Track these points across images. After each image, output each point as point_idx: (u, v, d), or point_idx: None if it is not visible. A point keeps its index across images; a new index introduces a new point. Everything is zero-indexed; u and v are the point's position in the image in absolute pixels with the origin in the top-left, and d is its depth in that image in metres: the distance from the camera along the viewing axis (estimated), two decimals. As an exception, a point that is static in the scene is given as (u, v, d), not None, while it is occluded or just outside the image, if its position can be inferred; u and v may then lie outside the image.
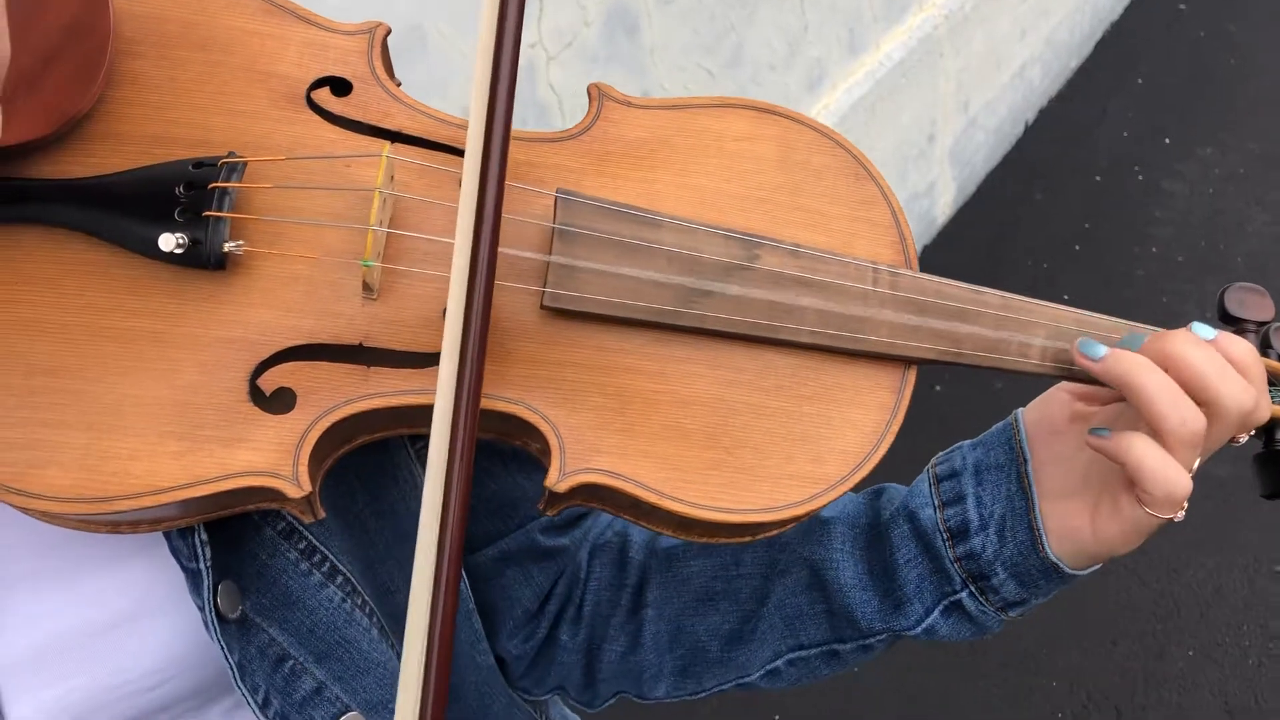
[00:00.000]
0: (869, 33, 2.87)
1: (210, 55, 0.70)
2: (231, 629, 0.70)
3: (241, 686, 0.71)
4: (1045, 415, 0.77)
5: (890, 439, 0.70)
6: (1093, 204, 3.41)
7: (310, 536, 0.74)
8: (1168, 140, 3.58)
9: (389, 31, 0.74)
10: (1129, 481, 0.70)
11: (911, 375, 0.71)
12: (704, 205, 0.72)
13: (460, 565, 0.59)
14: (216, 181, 0.65)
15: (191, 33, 0.71)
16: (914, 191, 3.18)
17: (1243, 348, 0.70)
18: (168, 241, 0.63)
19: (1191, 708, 2.28)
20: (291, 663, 0.74)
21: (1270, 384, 0.75)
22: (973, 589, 0.77)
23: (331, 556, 0.75)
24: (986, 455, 0.78)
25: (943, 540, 0.78)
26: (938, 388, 0.80)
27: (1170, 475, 0.68)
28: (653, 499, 0.66)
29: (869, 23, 2.86)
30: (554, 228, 0.68)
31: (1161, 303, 3.08)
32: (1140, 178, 3.47)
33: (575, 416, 0.67)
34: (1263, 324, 0.77)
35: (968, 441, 0.81)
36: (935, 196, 3.30)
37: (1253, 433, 0.74)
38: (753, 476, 0.68)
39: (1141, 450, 0.68)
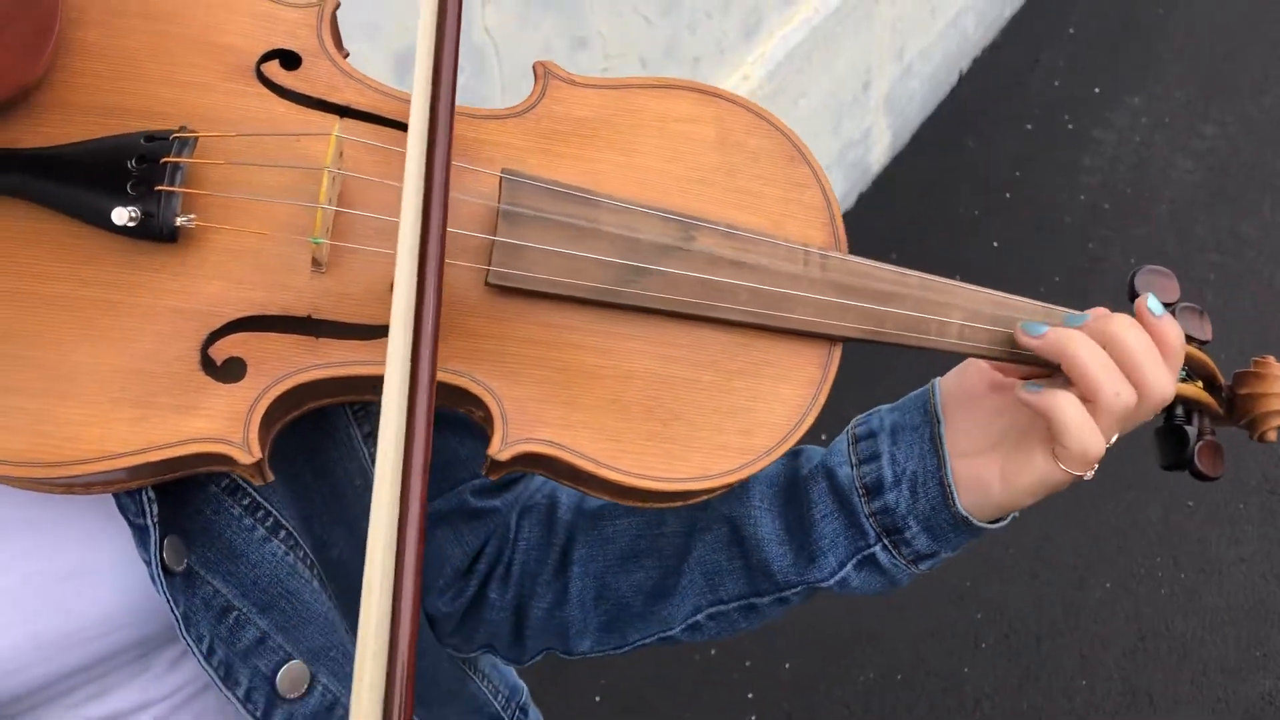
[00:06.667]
0: (805, -20, 2.89)
1: (158, 25, 0.71)
2: (178, 581, 0.73)
3: (186, 636, 0.74)
4: (962, 384, 0.82)
5: (815, 413, 0.73)
6: (1024, 152, 3.48)
7: (254, 493, 0.77)
8: (1097, 90, 3.65)
9: (338, 4, 0.74)
10: (1047, 437, 0.75)
11: (837, 352, 0.74)
12: (644, 185, 0.74)
13: (423, 540, 0.59)
14: (168, 156, 0.66)
15: (137, 1, 0.71)
16: (849, 139, 3.22)
17: (1177, 333, 0.76)
18: (120, 215, 0.64)
19: (1107, 635, 2.38)
20: (236, 613, 0.76)
21: None
22: (886, 542, 0.81)
23: (275, 512, 0.78)
24: (903, 417, 0.82)
25: (859, 496, 0.81)
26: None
27: (1088, 434, 0.73)
28: (591, 468, 0.69)
29: (805, -30, 2.88)
30: (499, 208, 0.70)
31: (1088, 249, 3.16)
32: (1070, 126, 3.54)
33: (519, 389, 0.69)
34: (1169, 305, 0.81)
35: (886, 405, 0.84)
36: (870, 144, 3.35)
37: None
38: (686, 447, 0.71)
39: (1068, 407, 0.73)
